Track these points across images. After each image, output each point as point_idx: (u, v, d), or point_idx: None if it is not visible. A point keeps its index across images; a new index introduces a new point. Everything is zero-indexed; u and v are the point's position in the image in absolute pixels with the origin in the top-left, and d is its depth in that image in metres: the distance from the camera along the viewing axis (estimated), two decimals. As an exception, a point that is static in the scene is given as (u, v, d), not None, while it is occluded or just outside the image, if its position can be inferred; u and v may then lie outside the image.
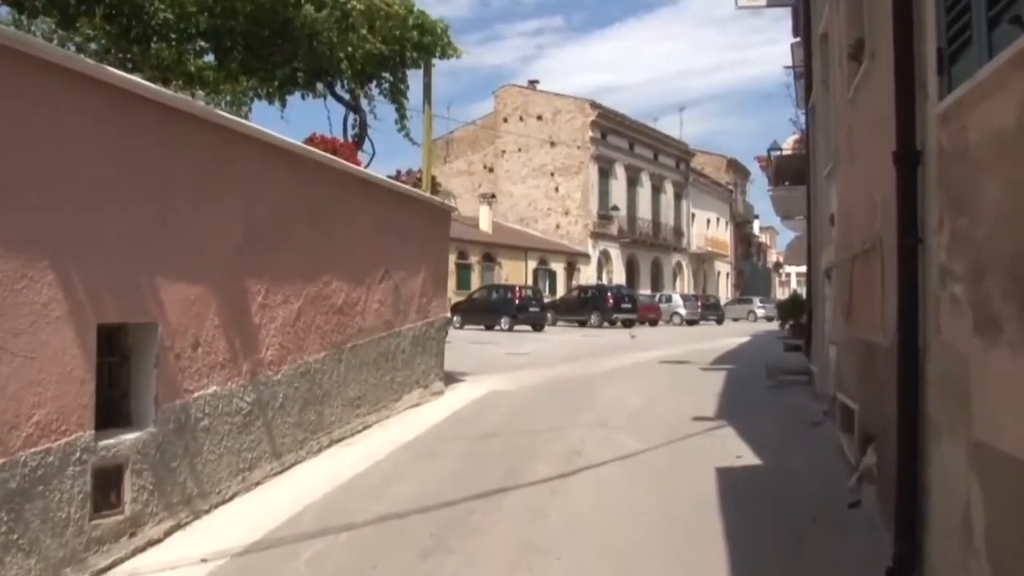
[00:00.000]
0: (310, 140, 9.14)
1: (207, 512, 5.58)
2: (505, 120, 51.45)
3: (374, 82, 10.93)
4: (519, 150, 50.65)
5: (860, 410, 5.75)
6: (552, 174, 49.48)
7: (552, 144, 49.25)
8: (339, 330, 7.48)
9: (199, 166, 5.56)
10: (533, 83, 52.67)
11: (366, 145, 10.78)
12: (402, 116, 10.57)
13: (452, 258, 36.77)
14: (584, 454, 6.97)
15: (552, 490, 6.05)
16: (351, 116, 10.71)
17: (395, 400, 8.68)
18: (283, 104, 11.31)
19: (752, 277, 72.41)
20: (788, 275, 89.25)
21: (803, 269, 40.09)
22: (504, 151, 51.36)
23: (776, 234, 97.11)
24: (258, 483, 6.19)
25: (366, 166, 10.47)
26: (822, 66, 8.68)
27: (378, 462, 6.90)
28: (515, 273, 41.68)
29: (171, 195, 5.27)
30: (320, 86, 11.10)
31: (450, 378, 11.16)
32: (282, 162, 6.63)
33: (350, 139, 10.62)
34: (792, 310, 23.96)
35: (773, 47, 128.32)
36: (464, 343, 22.36)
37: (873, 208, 5.07)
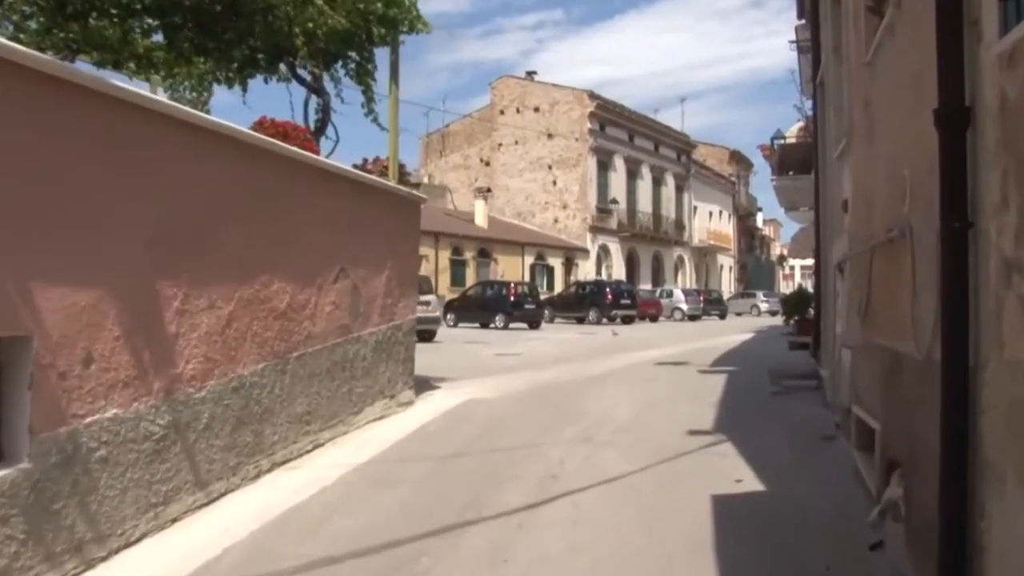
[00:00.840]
0: (260, 124, 8.21)
1: (104, 559, 4.66)
2: (502, 112, 50.49)
3: (339, 63, 10.03)
4: (516, 143, 49.70)
5: (882, 430, 4.83)
6: (550, 167, 48.53)
7: (550, 136, 48.30)
8: (283, 337, 6.57)
9: (93, 147, 4.64)
10: (531, 74, 51.75)
11: (334, 131, 9.88)
12: (369, 99, 9.65)
13: (446, 254, 35.98)
14: (562, 477, 6.05)
15: (520, 524, 5.14)
16: (313, 99, 9.79)
17: (354, 413, 7.77)
18: (244, 88, 10.43)
19: (755, 271, 71.51)
20: (792, 269, 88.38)
21: (809, 262, 39.11)
22: (501, 144, 50.40)
23: (780, 227, 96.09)
24: (175, 519, 5.27)
25: (329, 153, 9.55)
26: (833, 32, 7.74)
27: (323, 489, 5.98)
28: (511, 269, 40.77)
29: (54, 181, 4.35)
30: (283, 68, 10.22)
31: (425, 385, 10.25)
32: (210, 145, 5.71)
33: (312, 124, 9.71)
34: (798, 305, 23.03)
35: (775, 39, 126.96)
36: (455, 342, 21.48)
37: (899, 188, 4.14)
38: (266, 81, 10.51)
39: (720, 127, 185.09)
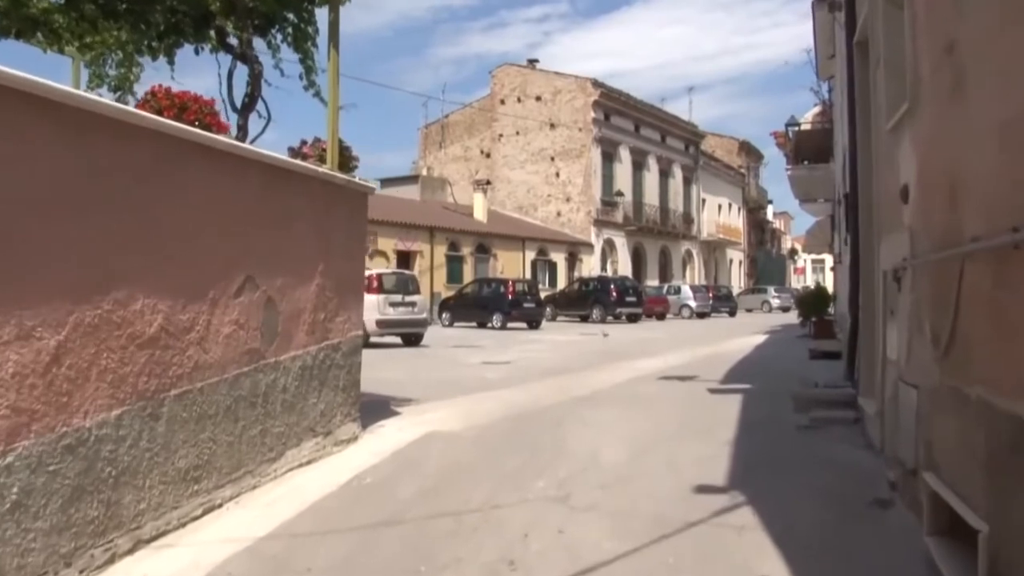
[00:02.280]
0: (152, 94, 6.58)
1: None
2: (502, 102, 48.76)
3: (275, 27, 8.38)
4: (517, 133, 47.98)
5: (994, 536, 3.15)
6: (552, 158, 46.80)
7: (552, 126, 46.57)
8: (153, 372, 4.92)
9: None
10: (532, 62, 50.01)
11: (266, 108, 8.21)
12: (308, 69, 7.99)
13: (442, 250, 34.36)
14: (521, 566, 4.40)
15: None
16: (244, 70, 8.13)
17: (270, 460, 6.11)
18: (171, 60, 8.78)
19: (766, 265, 69.76)
20: (804, 263, 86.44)
21: (823, 257, 37.17)
22: (501, 135, 48.68)
23: (791, 219, 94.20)
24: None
25: (257, 136, 7.90)
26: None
27: (191, 586, 4.35)
28: (512, 265, 39.10)
29: None
30: (213, 35, 8.58)
31: (380, 412, 8.61)
32: (33, 115, 4.07)
33: (241, 99, 8.05)
34: (815, 305, 21.30)
35: (782, 31, 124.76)
36: (443, 347, 19.86)
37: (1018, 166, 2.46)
38: (197, 52, 8.87)
39: (727, 119, 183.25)
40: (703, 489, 5.61)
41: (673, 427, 7.82)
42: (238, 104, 8.10)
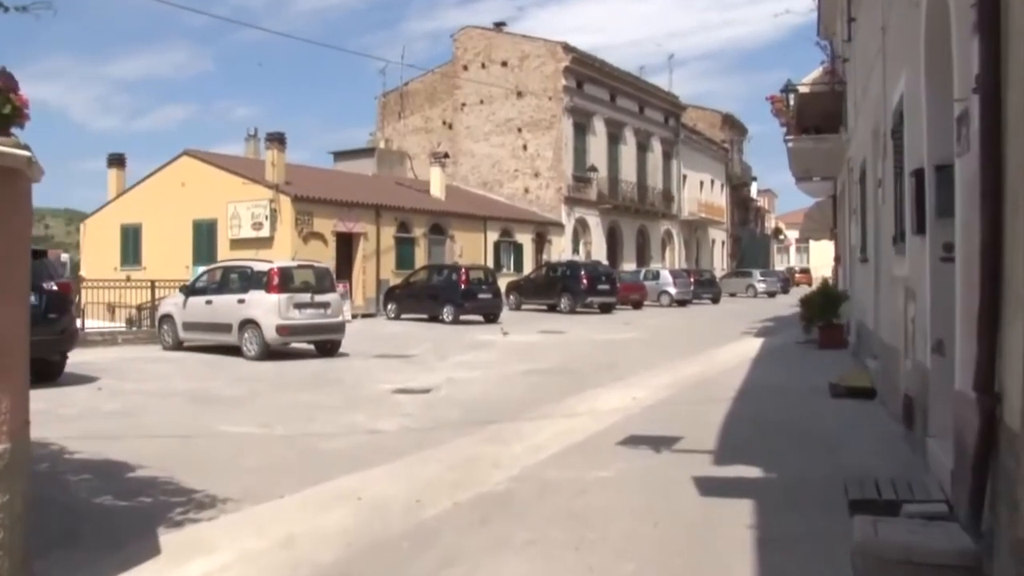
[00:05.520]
0: None
1: None
2: (465, 68, 44.57)
3: None
4: (481, 102, 43.81)
5: None
6: (519, 130, 42.69)
7: (519, 95, 42.47)
8: None
9: None
10: (499, 25, 45.71)
11: None
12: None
13: (390, 231, 30.48)
14: None
15: None
16: None
17: None
18: None
19: (750, 246, 66.20)
20: (786, 242, 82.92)
21: (825, 244, 33.42)
22: (464, 104, 44.49)
23: (775, 197, 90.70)
24: None
25: None
26: None
27: None
28: (472, 247, 35.15)
29: None
30: None
31: (114, 549, 4.72)
32: None
33: None
34: (823, 308, 17.55)
35: (759, 7, 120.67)
36: (364, 355, 16.03)
37: None
38: None
39: (704, 96, 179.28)
40: None
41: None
42: None
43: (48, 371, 11.99)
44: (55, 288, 11.55)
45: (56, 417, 9.16)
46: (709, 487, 6.12)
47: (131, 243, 31.76)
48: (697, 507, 5.71)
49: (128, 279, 26.29)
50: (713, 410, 9.50)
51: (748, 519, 5.36)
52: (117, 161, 33.50)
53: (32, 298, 11.37)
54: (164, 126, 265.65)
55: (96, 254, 32.67)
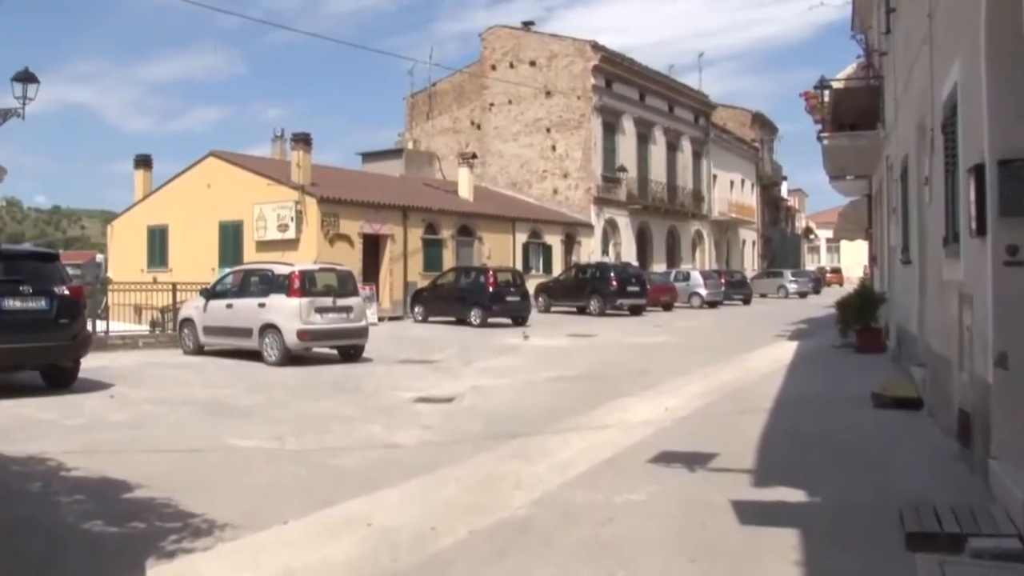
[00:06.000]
0: None
1: None
2: (493, 68, 44.15)
3: None
4: (509, 102, 43.37)
5: None
6: (548, 130, 42.20)
7: (548, 94, 42.00)
8: None
9: None
10: (527, 24, 45.22)
11: None
12: None
13: (418, 232, 30.13)
14: None
15: None
16: None
17: None
18: None
19: (781, 246, 65.26)
20: (816, 242, 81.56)
21: (856, 243, 32.65)
22: (492, 104, 44.07)
23: (805, 197, 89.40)
24: None
25: None
26: None
27: None
28: (501, 249, 34.69)
29: None
30: None
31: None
32: None
33: None
34: (860, 311, 16.90)
35: (787, 6, 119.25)
36: (387, 360, 15.67)
37: None
38: None
39: (732, 96, 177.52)
40: None
41: None
42: None
43: (61, 378, 11.73)
44: (66, 292, 11.24)
45: (61, 428, 8.83)
46: (749, 513, 5.62)
47: (157, 245, 31.65)
48: (737, 538, 5.21)
49: (155, 281, 26.16)
50: (749, 422, 8.98)
51: (794, 553, 4.85)
52: (144, 162, 33.41)
53: (43, 302, 11.21)
54: (198, 128, 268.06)
55: (123, 256, 32.64)
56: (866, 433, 8.37)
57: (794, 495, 6.04)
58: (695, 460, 7.18)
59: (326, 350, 16.17)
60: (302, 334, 14.98)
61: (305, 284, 15.36)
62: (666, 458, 7.32)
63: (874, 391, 9.98)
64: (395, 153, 43.72)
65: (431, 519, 5.66)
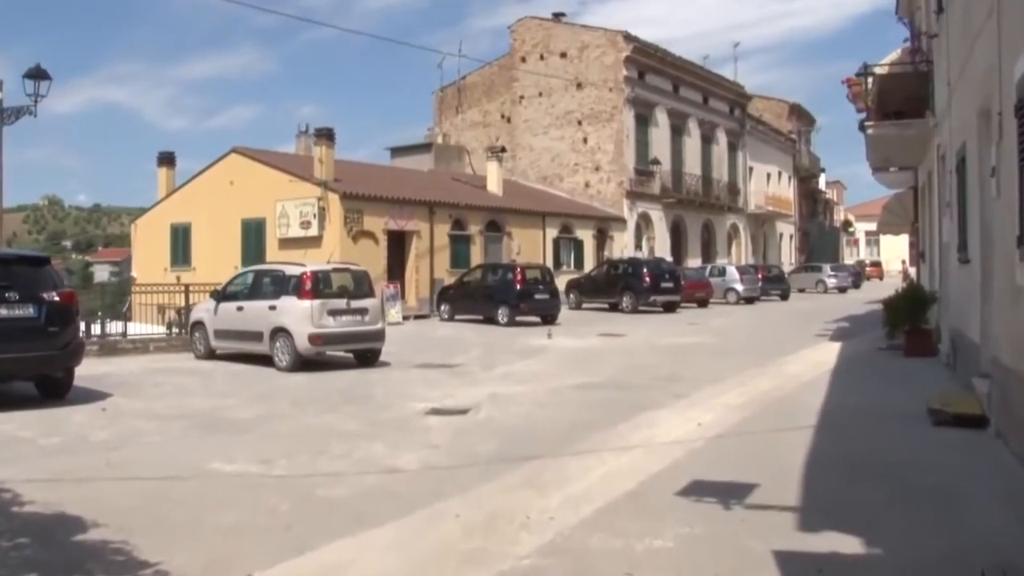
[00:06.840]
0: None
1: None
2: (523, 60, 43.18)
3: None
4: (540, 95, 42.44)
5: None
6: (579, 122, 41.20)
7: (579, 86, 41.00)
8: None
9: None
10: (558, 15, 44.19)
11: None
12: None
13: (445, 228, 29.36)
14: None
15: None
16: None
17: None
18: None
19: (819, 239, 63.77)
20: (855, 235, 79.64)
21: (897, 239, 31.31)
22: (522, 97, 43.14)
23: (844, 189, 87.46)
24: None
25: None
26: None
27: None
28: (530, 244, 33.80)
29: None
30: None
31: None
32: None
33: None
34: (909, 311, 15.80)
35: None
36: (406, 364, 14.90)
37: None
38: None
39: (768, 87, 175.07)
40: None
41: None
42: None
43: (54, 389, 11.04)
44: (56, 298, 10.52)
45: (33, 450, 8.10)
46: (796, 568, 4.71)
47: (180, 243, 31.14)
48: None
49: (178, 280, 25.62)
50: (792, 443, 8.04)
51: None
52: (167, 160, 32.93)
53: (31, 309, 10.49)
54: (233, 125, 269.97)
55: (147, 254, 32.22)
56: (928, 459, 7.38)
57: (848, 544, 5.10)
58: (730, 493, 6.26)
59: (340, 354, 15.41)
60: (314, 338, 14.22)
61: (317, 285, 14.60)
62: (697, 490, 6.40)
63: (932, 406, 8.97)
64: (424, 148, 43.04)
65: (420, 571, 4.82)
